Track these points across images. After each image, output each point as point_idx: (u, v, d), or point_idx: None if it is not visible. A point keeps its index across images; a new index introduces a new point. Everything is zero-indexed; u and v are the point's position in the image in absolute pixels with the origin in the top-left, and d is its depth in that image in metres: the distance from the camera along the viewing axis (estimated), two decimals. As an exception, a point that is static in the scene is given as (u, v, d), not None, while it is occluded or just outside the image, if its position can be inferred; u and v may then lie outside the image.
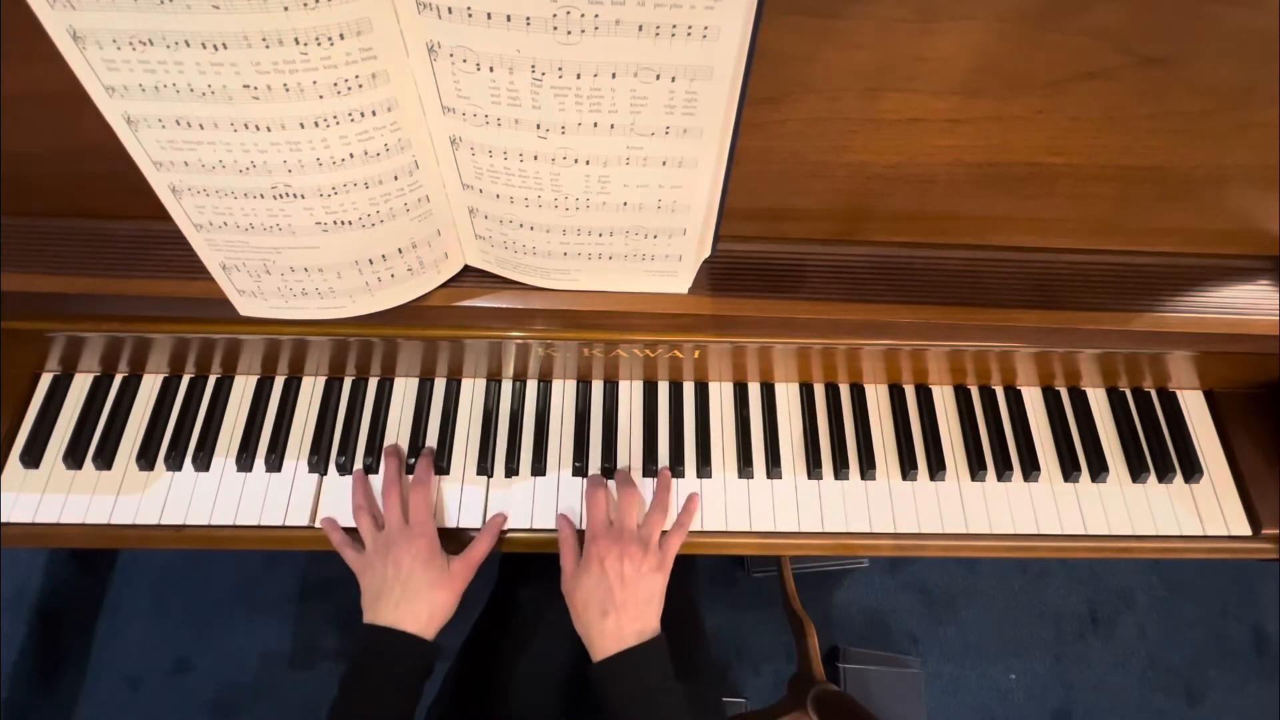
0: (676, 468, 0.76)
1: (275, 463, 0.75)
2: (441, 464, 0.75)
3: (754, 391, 0.81)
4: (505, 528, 0.73)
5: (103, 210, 0.64)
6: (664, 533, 0.71)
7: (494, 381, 0.80)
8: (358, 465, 0.75)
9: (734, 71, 0.45)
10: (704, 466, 0.77)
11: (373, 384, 0.80)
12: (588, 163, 0.51)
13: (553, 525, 0.73)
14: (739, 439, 0.78)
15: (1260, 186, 0.62)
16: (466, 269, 0.65)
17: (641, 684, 0.62)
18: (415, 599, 0.65)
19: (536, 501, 0.75)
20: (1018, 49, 0.51)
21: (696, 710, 0.64)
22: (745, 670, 1.40)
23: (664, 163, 0.51)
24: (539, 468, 0.76)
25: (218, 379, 0.79)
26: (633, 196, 0.54)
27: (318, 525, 0.73)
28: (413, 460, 0.75)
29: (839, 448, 0.78)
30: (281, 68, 0.44)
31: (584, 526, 0.72)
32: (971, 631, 1.45)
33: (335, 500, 0.74)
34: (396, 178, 0.53)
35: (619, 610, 0.64)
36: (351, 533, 0.72)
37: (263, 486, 0.74)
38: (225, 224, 0.55)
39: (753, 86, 0.46)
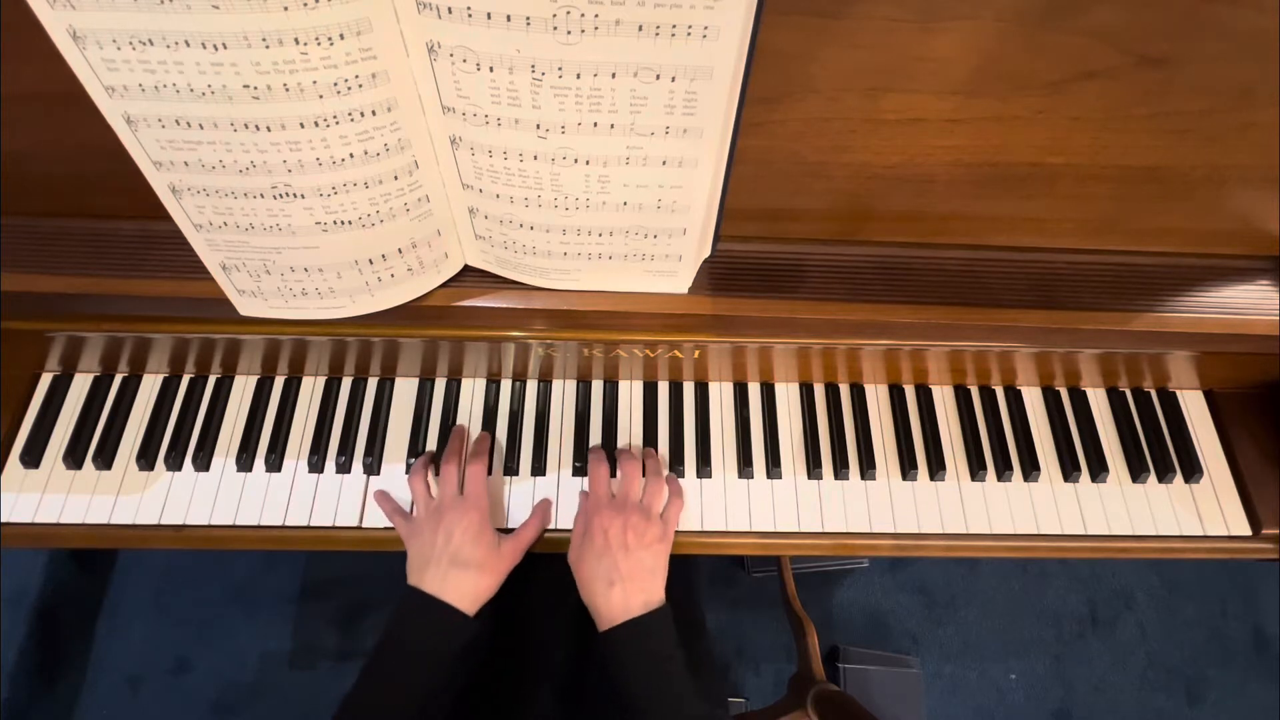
0: (676, 467, 0.76)
1: (275, 463, 0.75)
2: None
3: (754, 391, 0.81)
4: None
5: (103, 210, 0.64)
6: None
7: (494, 381, 0.80)
8: (357, 465, 0.76)
9: (734, 71, 0.45)
10: (704, 466, 0.77)
11: (372, 384, 0.80)
12: (588, 163, 0.51)
13: (552, 525, 0.74)
14: (739, 439, 0.78)
15: (1260, 186, 0.62)
16: (466, 269, 0.65)
17: (649, 652, 0.63)
18: (462, 572, 0.65)
19: (537, 502, 0.75)
20: (1018, 49, 0.51)
21: (700, 693, 0.64)
22: (745, 670, 1.40)
23: (664, 162, 0.51)
24: (539, 467, 0.76)
25: (218, 379, 0.79)
26: (633, 196, 0.54)
27: (317, 525, 0.73)
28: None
29: (839, 448, 0.78)
30: (281, 68, 0.44)
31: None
32: (971, 631, 1.45)
33: (334, 500, 0.74)
34: (396, 178, 0.53)
35: (625, 581, 0.64)
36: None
37: (263, 486, 0.74)
38: (225, 224, 0.55)
39: (753, 86, 0.46)
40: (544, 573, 0.75)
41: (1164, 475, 0.78)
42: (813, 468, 0.77)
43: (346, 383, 0.80)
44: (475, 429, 0.78)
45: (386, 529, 0.73)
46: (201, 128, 0.47)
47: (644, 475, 0.73)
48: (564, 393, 0.80)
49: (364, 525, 0.73)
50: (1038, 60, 0.52)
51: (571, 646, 0.77)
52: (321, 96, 0.46)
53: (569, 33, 0.42)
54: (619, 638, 0.63)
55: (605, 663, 0.63)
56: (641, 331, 0.69)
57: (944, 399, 0.82)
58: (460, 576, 0.64)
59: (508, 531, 0.73)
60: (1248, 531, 0.76)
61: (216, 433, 0.76)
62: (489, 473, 0.73)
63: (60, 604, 1.34)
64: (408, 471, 0.75)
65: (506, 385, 0.80)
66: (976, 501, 0.76)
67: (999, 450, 0.79)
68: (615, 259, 0.61)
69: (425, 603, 0.63)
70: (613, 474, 0.74)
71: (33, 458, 0.74)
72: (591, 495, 0.71)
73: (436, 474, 0.72)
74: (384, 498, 0.73)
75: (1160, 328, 0.67)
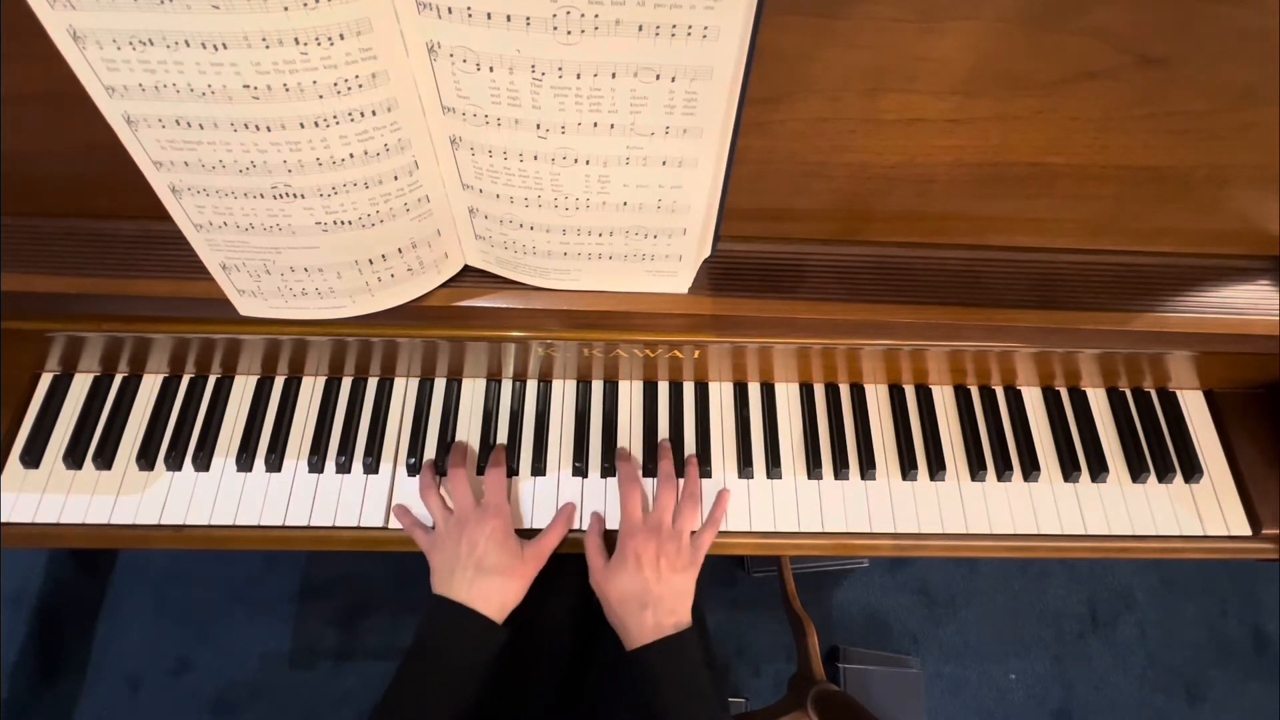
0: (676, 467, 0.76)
1: (275, 463, 0.75)
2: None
3: (754, 391, 0.81)
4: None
5: (103, 210, 0.64)
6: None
7: (494, 381, 0.80)
8: (357, 465, 0.76)
9: (734, 71, 0.45)
10: (704, 466, 0.77)
11: (372, 384, 0.80)
12: (588, 163, 0.51)
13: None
14: (739, 439, 0.78)
15: (1260, 186, 0.62)
16: (466, 269, 0.65)
17: (681, 669, 0.63)
18: (489, 579, 0.65)
19: (537, 502, 0.75)
20: (1018, 49, 0.51)
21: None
22: (745, 670, 1.40)
23: (664, 163, 0.51)
24: (539, 468, 0.76)
25: (218, 379, 0.79)
26: (633, 196, 0.54)
27: (317, 525, 0.73)
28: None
29: (839, 448, 0.78)
30: (281, 68, 0.44)
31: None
32: (971, 631, 1.45)
33: (334, 500, 0.74)
34: (396, 178, 0.53)
35: (657, 604, 0.65)
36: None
37: (262, 486, 0.74)
38: (225, 224, 0.55)
39: (753, 86, 0.46)
40: (541, 573, 0.75)
41: (1164, 475, 0.78)
42: (813, 468, 0.77)
43: (346, 383, 0.80)
44: (475, 429, 0.78)
45: (384, 529, 0.73)
46: (201, 128, 0.47)
47: (679, 495, 0.73)
48: (564, 393, 0.80)
49: (363, 525, 0.73)
50: (1038, 60, 0.52)
51: (569, 645, 0.77)
52: (321, 96, 0.46)
53: (569, 33, 0.42)
54: (651, 656, 0.63)
55: (638, 678, 0.63)
56: (641, 331, 0.69)
57: (944, 399, 0.82)
58: (487, 584, 0.65)
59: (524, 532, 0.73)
60: (1248, 531, 0.76)
61: (216, 433, 0.76)
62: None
63: (60, 604, 1.34)
64: (409, 473, 0.75)
65: (506, 385, 0.80)
66: (976, 501, 0.76)
67: (999, 450, 0.79)
68: (615, 259, 0.61)
69: (455, 611, 0.63)
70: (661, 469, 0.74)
71: (33, 458, 0.74)
72: (625, 519, 0.71)
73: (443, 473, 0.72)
74: (403, 512, 0.73)
75: (1160, 328, 0.67)
